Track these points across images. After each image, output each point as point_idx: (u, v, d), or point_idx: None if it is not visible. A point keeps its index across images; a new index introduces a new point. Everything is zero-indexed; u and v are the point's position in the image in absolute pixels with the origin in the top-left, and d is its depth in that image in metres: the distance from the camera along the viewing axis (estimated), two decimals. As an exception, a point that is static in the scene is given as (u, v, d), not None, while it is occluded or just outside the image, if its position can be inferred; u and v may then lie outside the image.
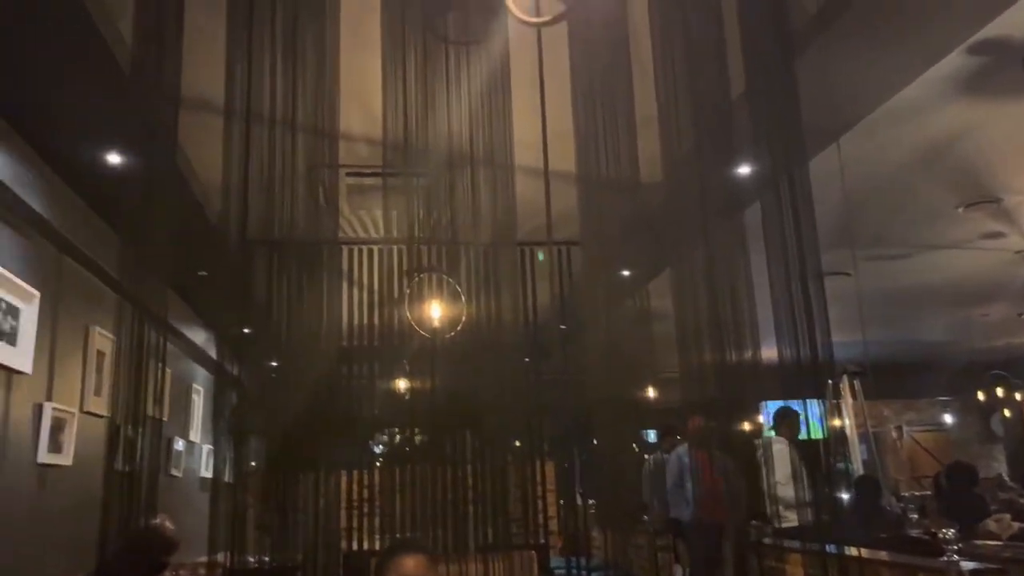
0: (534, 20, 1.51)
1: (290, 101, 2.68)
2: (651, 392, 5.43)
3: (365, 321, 5.01)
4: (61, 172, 3.73)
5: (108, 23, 2.75)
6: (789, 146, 2.35)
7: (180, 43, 2.49)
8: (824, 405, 2.71)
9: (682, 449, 5.25)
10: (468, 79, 2.70)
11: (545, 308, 5.55)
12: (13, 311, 3.48)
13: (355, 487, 4.81)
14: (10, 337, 3.45)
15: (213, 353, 6.91)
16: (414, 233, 3.07)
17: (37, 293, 3.67)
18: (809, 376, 2.55)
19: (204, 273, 4.90)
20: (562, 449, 7.20)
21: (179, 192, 3.51)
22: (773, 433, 4.89)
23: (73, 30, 2.67)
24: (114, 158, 3.50)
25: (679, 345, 2.90)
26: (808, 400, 2.67)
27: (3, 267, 3.35)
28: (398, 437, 7.13)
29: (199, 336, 6.24)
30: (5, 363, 3.37)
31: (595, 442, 4.83)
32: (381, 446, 7.75)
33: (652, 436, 8.56)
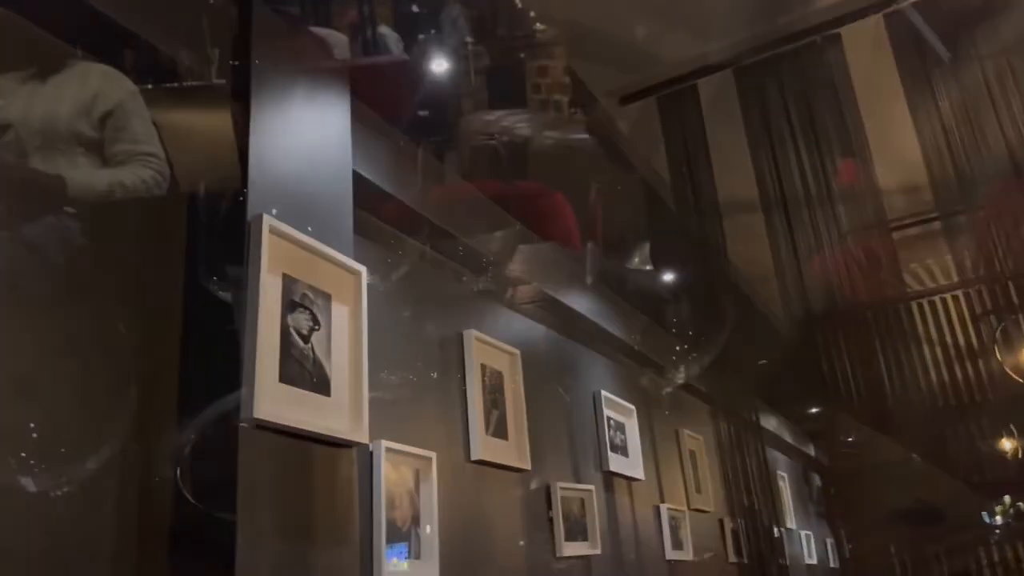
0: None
1: (820, 175, 2.70)
2: None
3: (946, 379, 4.53)
4: (627, 298, 4.30)
5: (646, 165, 3.17)
6: None
7: (710, 164, 2.74)
8: None
9: None
10: (1018, 87, 2.39)
11: None
12: (620, 427, 4.02)
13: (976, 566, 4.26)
14: (623, 450, 3.98)
15: (787, 437, 6.96)
16: (992, 271, 2.74)
17: (633, 407, 4.19)
18: None
19: (763, 361, 5.03)
20: None
21: (733, 292, 3.74)
22: None
23: (625, 181, 3.13)
24: (669, 276, 3.92)
25: None
26: None
27: (607, 391, 3.93)
28: (1020, 505, 6.10)
29: (771, 422, 6.36)
30: (625, 473, 3.88)
31: None
32: (999, 518, 6.74)
33: None
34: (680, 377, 4.79)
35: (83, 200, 1.56)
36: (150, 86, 1.70)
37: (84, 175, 1.62)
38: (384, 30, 2.36)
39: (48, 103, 1.66)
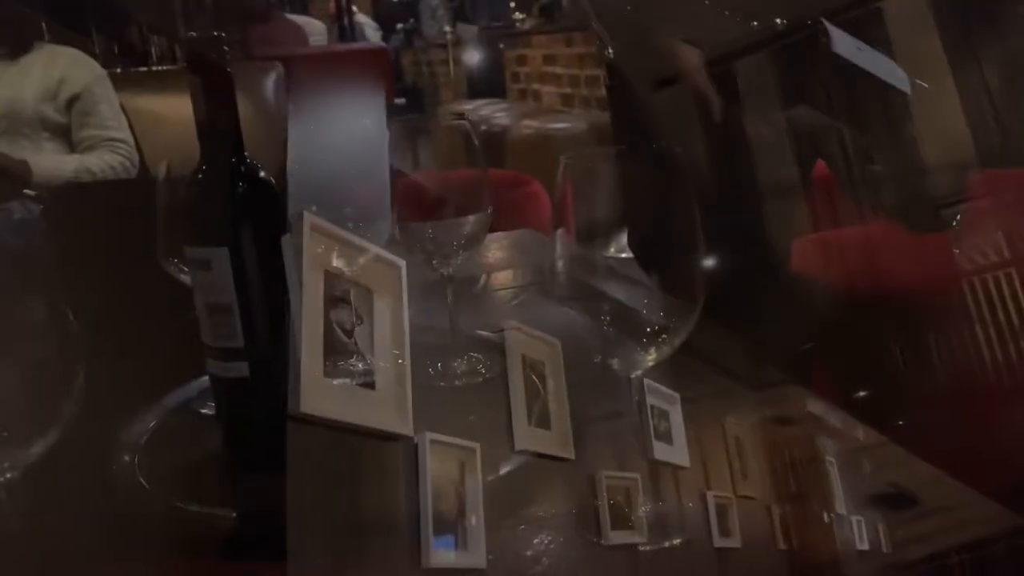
0: None
1: (862, 154, 2.64)
2: None
3: (1000, 359, 4.42)
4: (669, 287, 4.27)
5: (682, 149, 3.13)
6: None
7: (748, 145, 2.70)
8: None
9: None
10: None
11: None
12: (664, 414, 4.00)
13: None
14: (667, 437, 3.96)
15: (834, 420, 6.84)
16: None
17: (677, 395, 4.17)
18: None
19: (808, 345, 4.96)
20: None
21: (775, 275, 3.69)
22: None
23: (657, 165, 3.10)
24: (708, 262, 3.88)
25: None
26: None
27: (649, 379, 3.92)
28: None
29: (817, 406, 6.27)
30: (670, 460, 3.86)
31: None
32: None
33: None
34: (652, 359, 4.73)
35: (49, 186, 1.54)
36: (119, 70, 1.68)
37: (50, 160, 1.60)
38: (362, 18, 2.36)
39: (12, 87, 1.64)
